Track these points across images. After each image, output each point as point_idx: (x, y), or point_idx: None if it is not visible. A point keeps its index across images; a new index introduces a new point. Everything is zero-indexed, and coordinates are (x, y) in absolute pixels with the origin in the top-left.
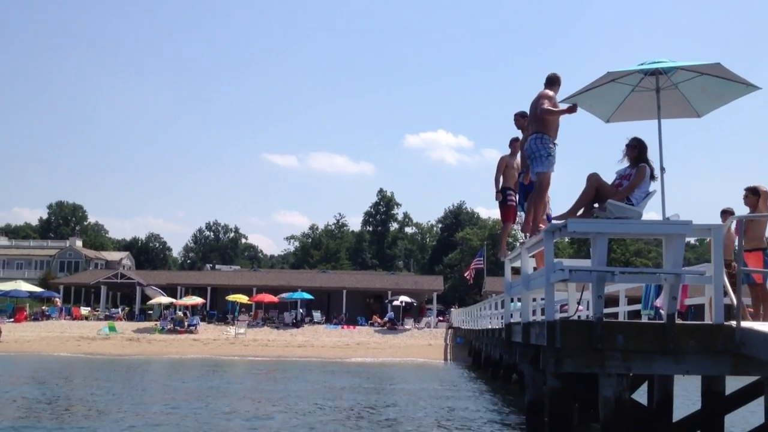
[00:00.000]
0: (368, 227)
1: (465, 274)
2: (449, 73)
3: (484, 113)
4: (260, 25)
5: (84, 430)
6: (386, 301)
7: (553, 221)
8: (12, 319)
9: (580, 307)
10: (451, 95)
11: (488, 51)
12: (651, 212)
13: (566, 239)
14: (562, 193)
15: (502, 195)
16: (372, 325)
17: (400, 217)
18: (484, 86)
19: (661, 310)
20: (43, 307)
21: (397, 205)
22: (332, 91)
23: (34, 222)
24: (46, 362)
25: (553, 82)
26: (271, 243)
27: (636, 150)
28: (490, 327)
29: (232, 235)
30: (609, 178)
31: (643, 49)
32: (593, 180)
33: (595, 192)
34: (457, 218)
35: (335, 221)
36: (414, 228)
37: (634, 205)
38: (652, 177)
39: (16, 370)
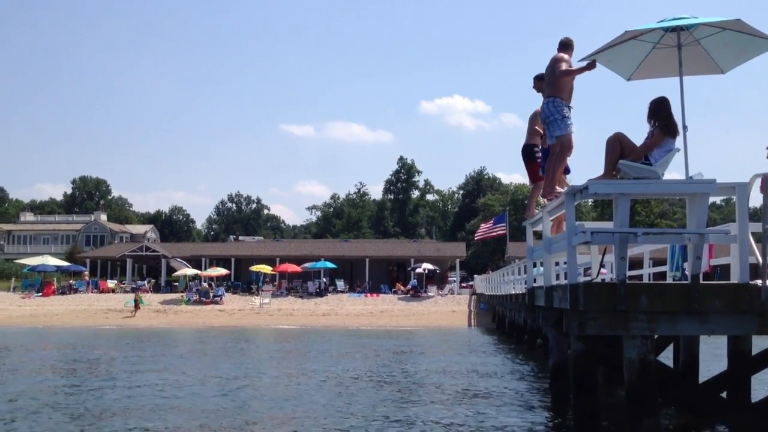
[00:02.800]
0: (389, 195)
1: (476, 236)
2: (462, 37)
3: (501, 77)
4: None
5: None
6: (409, 268)
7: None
8: (40, 294)
9: (603, 271)
10: (466, 59)
11: (503, 12)
12: (673, 172)
13: (590, 203)
14: (591, 155)
15: (528, 152)
16: (395, 292)
17: (421, 184)
18: (500, 49)
19: (687, 272)
20: (71, 281)
21: (418, 172)
22: (345, 59)
23: (59, 197)
24: (76, 334)
25: (566, 45)
26: (292, 213)
27: (651, 108)
28: (513, 292)
29: (254, 206)
30: (642, 136)
31: (662, 10)
32: (615, 140)
33: (621, 152)
34: (479, 184)
35: (356, 190)
36: (435, 195)
37: (652, 164)
38: (670, 133)
39: (50, 341)
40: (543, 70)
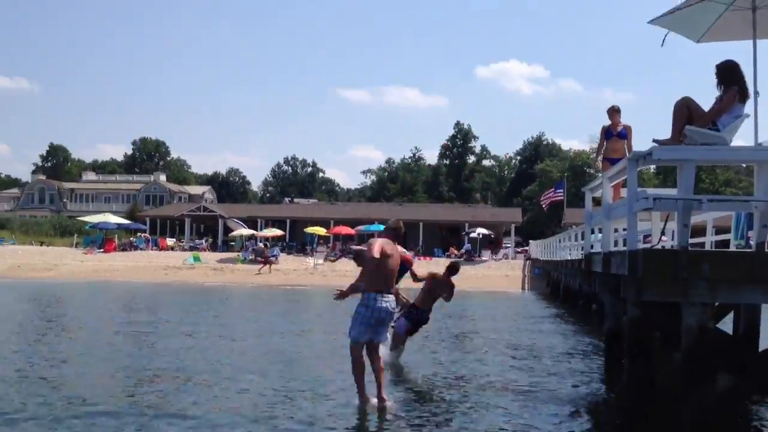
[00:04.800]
0: (445, 160)
1: (542, 201)
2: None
3: (559, 40)
4: None
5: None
6: (463, 233)
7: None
8: (101, 250)
9: (664, 238)
10: (523, 22)
11: None
12: (739, 140)
13: (652, 169)
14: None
15: None
16: (449, 256)
17: (477, 149)
18: (558, 11)
19: (751, 241)
20: (131, 239)
21: (475, 137)
22: (400, 22)
23: (120, 158)
24: (139, 289)
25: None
26: (346, 177)
27: (722, 73)
28: (569, 258)
29: (309, 169)
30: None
31: None
32: (683, 105)
33: (689, 117)
34: (537, 150)
35: (411, 155)
36: (491, 161)
37: (720, 131)
38: (742, 98)
39: (113, 295)
40: (603, 34)
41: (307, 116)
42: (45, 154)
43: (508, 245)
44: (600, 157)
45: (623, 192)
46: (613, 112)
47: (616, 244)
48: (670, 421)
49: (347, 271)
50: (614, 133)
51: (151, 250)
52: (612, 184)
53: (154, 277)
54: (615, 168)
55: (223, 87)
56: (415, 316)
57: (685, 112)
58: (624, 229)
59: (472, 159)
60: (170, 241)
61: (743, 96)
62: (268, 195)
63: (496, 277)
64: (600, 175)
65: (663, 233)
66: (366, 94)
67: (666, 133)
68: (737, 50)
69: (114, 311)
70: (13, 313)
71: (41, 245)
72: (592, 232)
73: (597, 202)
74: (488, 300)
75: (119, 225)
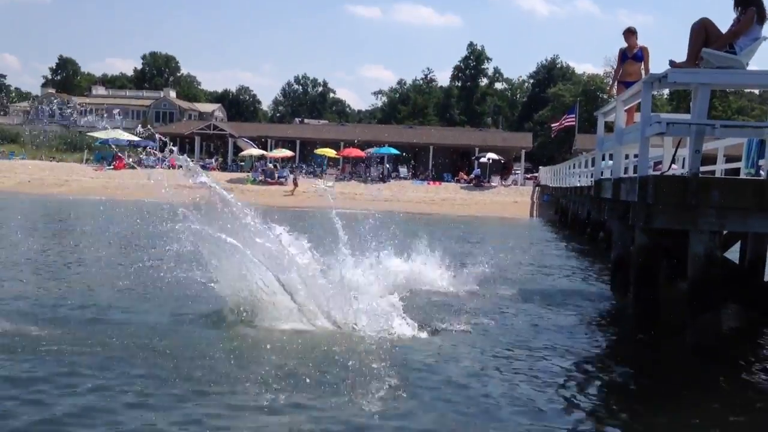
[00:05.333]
0: (457, 82)
1: (553, 126)
2: None
3: None
4: None
5: None
6: (473, 157)
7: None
8: (111, 167)
9: (674, 166)
10: None
11: None
12: (753, 66)
13: (665, 95)
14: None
15: None
16: (458, 181)
17: (490, 72)
18: None
19: (761, 170)
20: (141, 156)
21: (488, 59)
22: None
23: (129, 72)
24: (148, 207)
25: None
26: (356, 98)
27: None
28: (578, 184)
29: (320, 89)
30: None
31: None
32: (701, 26)
33: (706, 39)
34: (550, 73)
35: (423, 76)
36: (504, 84)
37: (737, 53)
38: (760, 20)
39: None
40: None
41: (318, 33)
42: (55, 67)
43: (517, 171)
44: (615, 84)
45: (637, 117)
46: (629, 33)
47: (626, 171)
48: (674, 348)
49: (356, 194)
50: (629, 56)
51: (161, 168)
52: (626, 107)
53: (164, 196)
54: (629, 91)
55: (234, 2)
56: None
57: (703, 34)
58: (635, 156)
59: (484, 82)
60: None
61: (761, 17)
62: (278, 115)
63: (505, 204)
64: (614, 99)
65: (674, 160)
66: (378, 10)
67: (684, 57)
68: None
69: (130, 227)
70: (27, 226)
71: (51, 160)
72: (603, 158)
73: (609, 127)
74: (496, 225)
75: (130, 142)
